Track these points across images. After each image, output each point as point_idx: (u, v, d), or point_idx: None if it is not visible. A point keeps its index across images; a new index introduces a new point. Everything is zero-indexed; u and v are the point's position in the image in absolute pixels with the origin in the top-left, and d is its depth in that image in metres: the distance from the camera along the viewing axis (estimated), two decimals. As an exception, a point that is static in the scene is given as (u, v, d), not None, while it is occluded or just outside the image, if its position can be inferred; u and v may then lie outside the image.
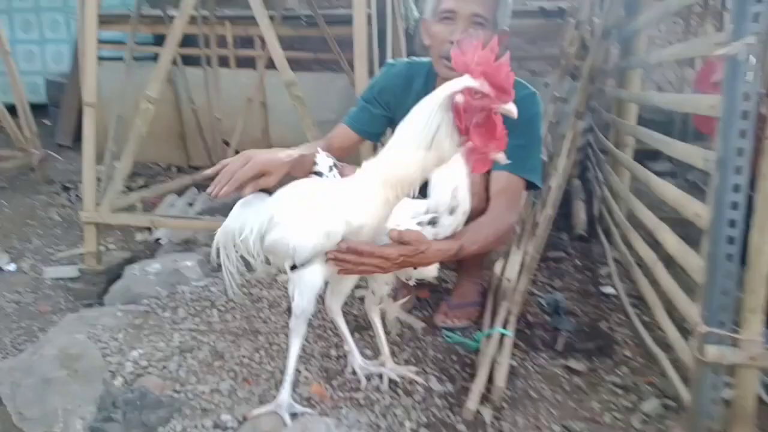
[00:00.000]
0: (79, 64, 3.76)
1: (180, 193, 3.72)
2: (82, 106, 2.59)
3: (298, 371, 1.65)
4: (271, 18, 2.54)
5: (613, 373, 1.74)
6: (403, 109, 1.37)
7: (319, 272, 1.41)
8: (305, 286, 1.43)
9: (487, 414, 1.52)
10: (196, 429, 1.48)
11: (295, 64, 2.51)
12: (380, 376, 1.65)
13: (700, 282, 1.25)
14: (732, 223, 1.16)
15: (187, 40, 4.46)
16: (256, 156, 1.48)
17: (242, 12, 4.52)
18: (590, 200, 3.29)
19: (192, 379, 1.68)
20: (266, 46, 4.09)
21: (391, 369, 1.66)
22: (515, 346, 1.83)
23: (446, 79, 1.31)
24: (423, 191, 1.51)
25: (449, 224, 1.50)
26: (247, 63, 4.65)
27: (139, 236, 3.19)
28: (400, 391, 1.62)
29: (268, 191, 1.53)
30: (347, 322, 1.71)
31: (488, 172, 1.72)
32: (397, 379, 1.64)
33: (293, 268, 1.42)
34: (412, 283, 1.63)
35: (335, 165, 1.58)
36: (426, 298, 2.22)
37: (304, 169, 1.51)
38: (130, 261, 2.66)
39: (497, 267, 2.24)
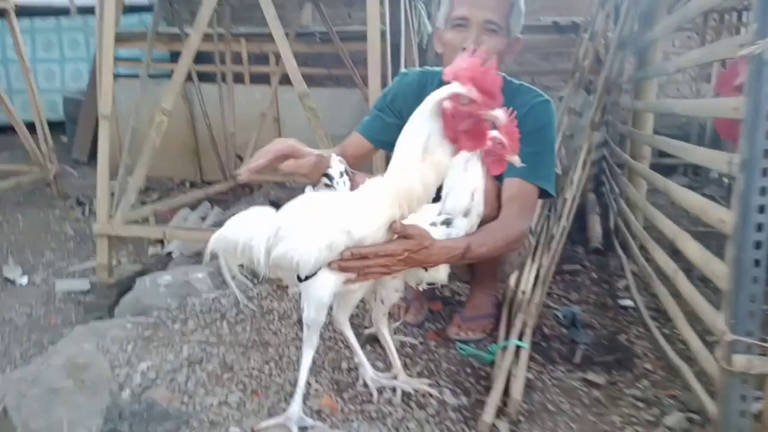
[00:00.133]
0: (96, 80, 3.82)
1: (193, 207, 3.73)
2: (98, 123, 2.62)
3: (308, 383, 1.61)
4: (286, 35, 2.55)
5: (634, 386, 1.68)
6: None
7: (328, 282, 1.39)
8: (314, 297, 1.41)
9: (504, 428, 1.47)
10: (203, 441, 1.44)
11: (308, 80, 2.53)
12: (393, 389, 1.61)
13: (725, 289, 1.20)
14: (759, 227, 1.11)
15: (203, 57, 4.53)
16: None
17: (257, 29, 4.59)
18: (605, 214, 3.24)
19: (200, 392, 1.65)
20: (280, 62, 4.16)
21: (404, 381, 1.61)
22: (531, 358, 1.78)
23: None
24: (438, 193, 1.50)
25: (463, 226, 1.47)
26: (261, 79, 4.70)
27: (152, 250, 3.20)
28: (413, 404, 1.57)
29: (277, 204, 1.52)
30: (357, 335, 1.67)
31: (501, 181, 1.70)
32: (411, 392, 1.60)
33: (300, 279, 1.40)
34: (422, 287, 1.59)
35: (347, 171, 1.57)
36: (439, 310, 2.18)
37: (319, 170, 1.50)
38: (142, 274, 2.65)
39: (511, 279, 2.20)
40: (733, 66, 1.82)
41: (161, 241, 3.20)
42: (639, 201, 2.29)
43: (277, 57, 4.35)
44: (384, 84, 2.68)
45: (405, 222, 1.36)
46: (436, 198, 1.51)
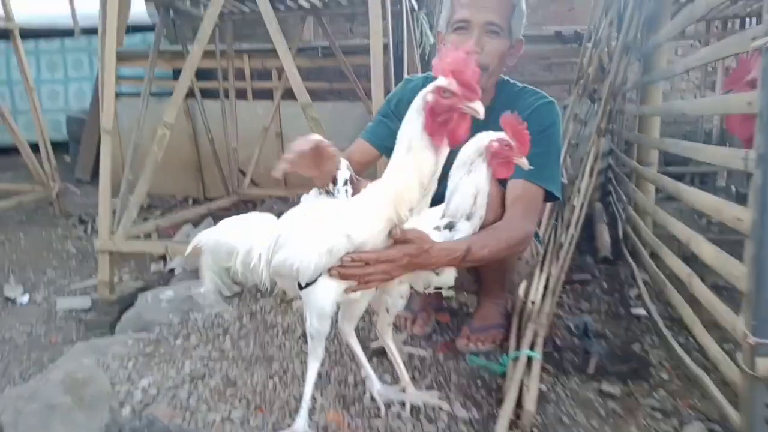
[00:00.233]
0: (99, 97, 3.83)
1: (196, 223, 3.70)
2: (101, 141, 2.60)
3: (313, 398, 1.56)
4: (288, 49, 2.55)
5: (651, 396, 1.62)
6: None
7: (329, 289, 1.35)
8: (316, 305, 1.37)
9: (517, 441, 1.41)
10: (205, 459, 1.39)
11: (311, 95, 2.52)
12: (401, 403, 1.55)
13: (745, 290, 1.15)
14: (779, 224, 1.07)
15: (206, 74, 4.55)
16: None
17: (260, 45, 4.62)
18: (613, 223, 3.19)
19: (203, 408, 1.60)
20: (283, 77, 4.17)
21: (412, 395, 1.56)
22: (544, 369, 1.72)
23: None
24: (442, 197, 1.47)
25: (465, 230, 1.44)
26: (263, 95, 4.71)
27: (154, 267, 3.16)
28: (422, 419, 1.52)
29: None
30: (363, 349, 1.62)
31: (504, 186, 1.66)
32: (420, 406, 1.54)
33: (301, 287, 1.36)
34: (430, 291, 1.55)
35: (351, 179, 1.54)
36: (446, 322, 2.13)
37: (328, 175, 1.46)
38: (144, 290, 2.61)
39: (520, 289, 2.15)
40: (744, 62, 1.79)
41: (164, 258, 3.16)
42: (648, 206, 2.24)
43: (280, 72, 4.37)
44: (387, 97, 2.67)
45: (408, 226, 1.33)
46: (442, 200, 1.48)
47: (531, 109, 1.72)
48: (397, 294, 1.50)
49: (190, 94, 4.53)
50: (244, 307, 2.30)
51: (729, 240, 1.49)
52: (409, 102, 1.85)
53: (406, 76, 3.36)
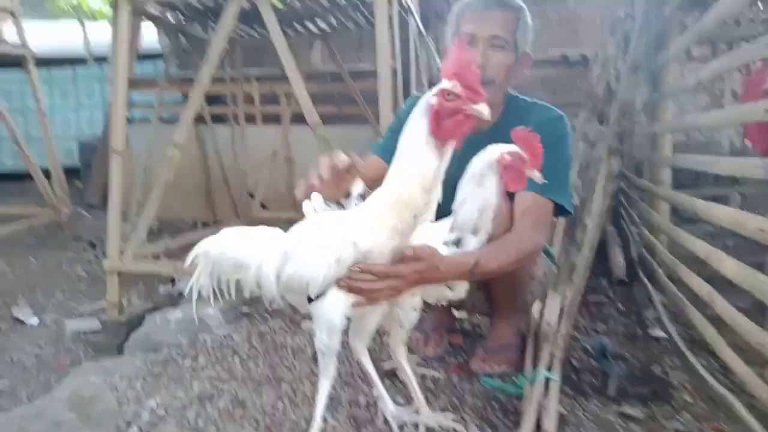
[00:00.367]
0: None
1: (205, 246, 3.68)
2: (111, 162, 2.61)
3: (324, 419, 1.52)
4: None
5: (674, 419, 1.56)
6: None
7: (338, 302, 1.32)
8: (325, 319, 1.34)
9: (537, 465, 1.36)
10: (213, 482, 1.34)
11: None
12: (415, 425, 1.51)
13: (774, 305, 1.11)
14: (806, 234, 1.03)
15: (216, 100, 4.60)
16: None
17: (268, 71, 4.68)
18: (626, 246, 3.15)
19: (211, 429, 1.56)
20: (291, 102, 4.21)
21: (427, 416, 1.51)
22: (562, 391, 1.66)
23: None
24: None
25: (472, 245, 1.41)
26: (272, 119, 4.75)
27: (162, 289, 3.14)
28: (437, 441, 1.47)
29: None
30: (375, 369, 1.58)
31: (513, 200, 1.64)
32: (435, 428, 1.49)
33: (310, 300, 1.34)
34: (443, 303, 1.52)
35: (362, 196, 1.52)
36: (459, 343, 2.08)
37: (341, 190, 1.44)
38: (152, 311, 2.58)
39: (534, 310, 2.11)
40: (760, 72, 1.78)
41: (172, 280, 3.14)
42: (663, 225, 2.21)
43: (288, 97, 4.41)
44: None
45: (417, 235, 1.31)
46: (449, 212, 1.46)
47: (541, 122, 1.71)
48: (410, 307, 1.47)
49: (200, 119, 4.60)
50: (254, 328, 2.26)
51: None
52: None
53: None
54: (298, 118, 4.60)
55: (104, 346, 2.45)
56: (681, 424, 1.54)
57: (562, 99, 4.95)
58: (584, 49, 4.18)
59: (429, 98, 1.22)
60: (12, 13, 4.16)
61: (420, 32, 3.59)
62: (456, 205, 1.45)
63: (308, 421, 1.46)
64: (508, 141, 1.73)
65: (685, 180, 3.16)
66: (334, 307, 1.33)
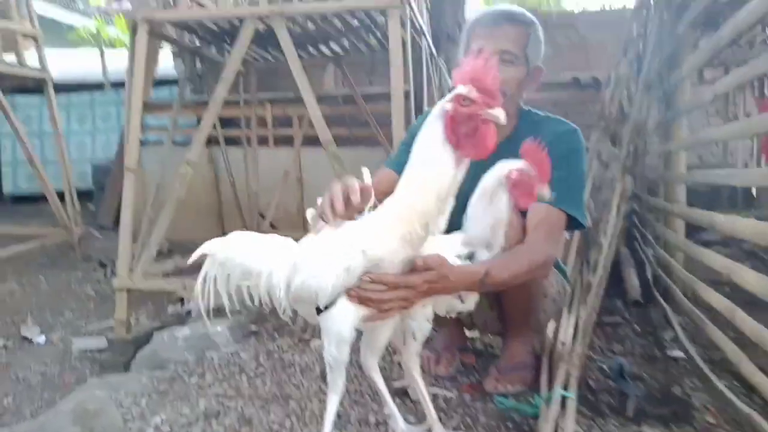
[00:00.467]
0: (124, 143, 3.93)
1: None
2: (124, 179, 2.63)
3: (333, 437, 1.47)
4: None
5: (697, 441, 1.50)
6: None
7: (347, 313, 1.29)
8: (334, 331, 1.31)
9: (554, 486, 1.30)
10: (217, 500, 1.29)
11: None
12: (427, 444, 1.46)
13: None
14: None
15: (230, 123, 4.65)
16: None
17: (281, 94, 4.74)
18: (641, 267, 3.09)
19: (217, 446, 1.52)
20: (303, 124, 4.24)
21: (439, 435, 1.46)
22: (579, 412, 1.61)
23: None
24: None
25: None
26: (284, 142, 4.79)
27: (171, 308, 3.11)
28: (449, 461, 1.41)
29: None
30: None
31: (524, 214, 1.61)
32: (447, 446, 1.44)
33: (319, 311, 1.31)
34: (452, 316, 1.48)
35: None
36: (472, 363, 2.03)
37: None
38: (160, 329, 2.56)
39: (549, 329, 2.06)
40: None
41: (181, 300, 3.12)
42: (680, 241, 2.16)
43: (300, 119, 4.46)
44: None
45: (427, 246, 1.29)
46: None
47: (554, 135, 1.69)
48: (423, 317, 1.43)
49: (214, 141, 4.65)
50: (261, 346, 2.23)
51: None
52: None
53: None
54: (310, 141, 4.66)
55: (111, 364, 2.43)
56: (704, 446, 1.48)
57: (574, 121, 4.95)
58: (595, 72, 4.18)
59: (444, 104, 1.21)
60: (35, 39, 4.26)
61: (432, 54, 3.62)
62: (467, 220, 1.43)
63: (316, 438, 1.42)
64: (520, 155, 1.73)
65: (699, 203, 3.13)
66: (344, 318, 1.30)
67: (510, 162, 1.43)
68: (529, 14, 1.78)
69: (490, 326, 1.99)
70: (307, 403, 1.74)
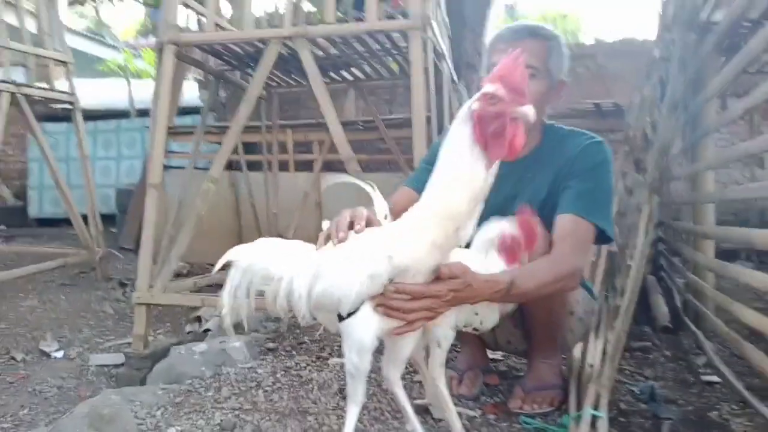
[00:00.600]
0: (148, 170, 3.98)
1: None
2: (146, 195, 2.65)
3: (352, 452, 1.41)
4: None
5: (739, 466, 1.41)
6: None
7: (370, 321, 1.25)
8: (356, 339, 1.27)
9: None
10: None
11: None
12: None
13: None
14: None
15: (251, 148, 4.71)
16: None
17: (302, 121, 4.80)
18: (668, 295, 3.01)
19: (232, 459, 1.47)
20: (323, 149, 4.27)
21: (463, 452, 1.40)
22: (609, 433, 1.53)
23: None
24: None
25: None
26: (304, 167, 4.82)
27: (189, 327, 3.10)
28: (474, 480, 1.35)
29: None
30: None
31: (549, 227, 1.58)
32: (471, 464, 1.37)
33: (341, 319, 1.27)
34: (470, 330, 1.44)
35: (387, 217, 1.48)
36: (495, 384, 1.96)
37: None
38: (177, 345, 2.54)
39: (576, 351, 1.99)
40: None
41: (198, 319, 3.11)
42: (710, 262, 2.09)
43: (321, 144, 4.49)
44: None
45: (451, 258, 1.26)
46: None
47: (580, 148, 1.67)
48: (447, 324, 1.40)
49: (235, 166, 4.70)
50: (278, 362, 2.19)
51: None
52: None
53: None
54: (329, 166, 4.68)
55: (127, 378, 2.40)
56: (747, 471, 1.39)
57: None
58: (617, 99, 4.17)
59: (470, 104, 1.19)
60: (65, 64, 4.40)
61: (453, 80, 3.65)
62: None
63: (335, 453, 1.36)
64: (545, 170, 1.71)
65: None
66: (366, 325, 1.26)
67: (502, 223, 1.46)
68: (550, 28, 1.77)
69: (515, 345, 1.93)
70: (325, 418, 1.69)
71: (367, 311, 1.25)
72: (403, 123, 4.27)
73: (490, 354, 2.11)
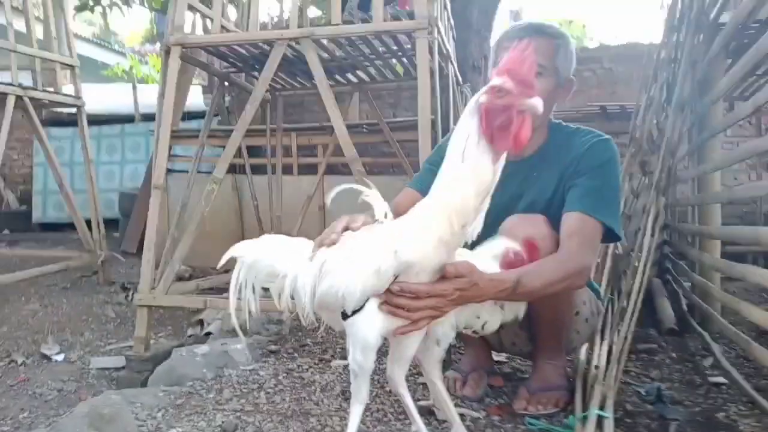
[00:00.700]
0: (151, 175, 3.98)
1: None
2: (150, 197, 2.64)
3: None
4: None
5: (751, 468, 1.38)
6: None
7: (375, 318, 1.24)
8: (360, 336, 1.25)
9: None
10: None
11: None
12: (454, 463, 1.37)
13: None
14: None
15: (255, 152, 4.71)
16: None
17: (306, 124, 4.80)
18: (674, 298, 2.98)
19: (233, 460, 1.45)
20: (327, 153, 4.26)
21: (467, 451, 1.37)
22: (616, 435, 1.50)
23: None
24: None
25: None
26: (308, 170, 4.82)
27: (191, 330, 3.08)
28: (478, 481, 1.32)
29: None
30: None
31: (555, 227, 1.56)
32: (476, 465, 1.35)
33: (345, 317, 1.25)
34: (470, 333, 1.42)
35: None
36: (500, 386, 1.94)
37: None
38: (179, 348, 2.52)
39: (581, 352, 1.97)
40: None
41: (200, 323, 3.09)
42: (717, 262, 2.07)
43: (324, 148, 4.49)
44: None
45: (458, 258, 1.26)
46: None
47: (587, 146, 1.66)
48: (448, 324, 1.38)
49: (239, 170, 4.69)
50: (281, 365, 2.17)
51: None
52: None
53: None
54: (333, 170, 4.67)
55: (128, 382, 2.38)
56: (757, 473, 1.36)
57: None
58: (622, 102, 4.16)
59: (478, 97, 1.18)
60: (72, 67, 4.41)
61: (458, 83, 3.64)
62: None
63: (337, 454, 1.34)
64: (551, 168, 1.69)
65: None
66: (370, 323, 1.25)
67: (507, 242, 1.45)
68: (557, 27, 1.76)
69: (520, 347, 1.91)
70: (327, 420, 1.67)
71: (371, 308, 1.24)
72: (408, 126, 4.27)
73: (495, 356, 2.09)
